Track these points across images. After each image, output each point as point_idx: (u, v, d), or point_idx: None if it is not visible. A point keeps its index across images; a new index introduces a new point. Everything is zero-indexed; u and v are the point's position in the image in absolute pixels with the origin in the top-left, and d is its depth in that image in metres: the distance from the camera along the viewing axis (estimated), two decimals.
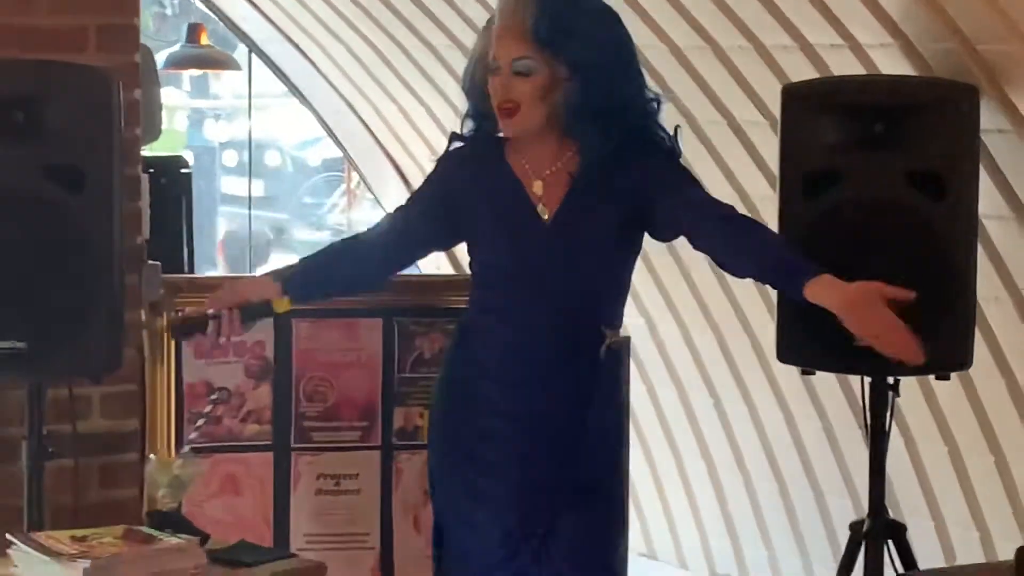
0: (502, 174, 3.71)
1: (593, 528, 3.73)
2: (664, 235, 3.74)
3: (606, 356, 3.70)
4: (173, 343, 4.22)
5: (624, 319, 3.82)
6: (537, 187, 3.70)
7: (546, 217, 3.68)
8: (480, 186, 3.73)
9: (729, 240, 3.58)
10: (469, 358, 3.76)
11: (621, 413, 3.88)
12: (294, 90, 8.32)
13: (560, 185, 3.68)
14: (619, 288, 3.75)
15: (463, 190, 3.75)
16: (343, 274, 3.84)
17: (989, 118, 4.21)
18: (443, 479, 3.81)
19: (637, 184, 3.64)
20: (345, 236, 3.98)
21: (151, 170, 4.62)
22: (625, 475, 3.92)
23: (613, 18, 3.67)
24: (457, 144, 3.79)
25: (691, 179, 3.71)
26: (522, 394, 3.69)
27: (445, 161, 3.82)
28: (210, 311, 3.68)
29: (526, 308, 3.68)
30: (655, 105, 3.69)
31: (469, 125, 3.77)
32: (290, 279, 3.76)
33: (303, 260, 3.85)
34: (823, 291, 3.45)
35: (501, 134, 3.71)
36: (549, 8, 3.60)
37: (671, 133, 3.71)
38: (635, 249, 3.74)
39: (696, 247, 3.65)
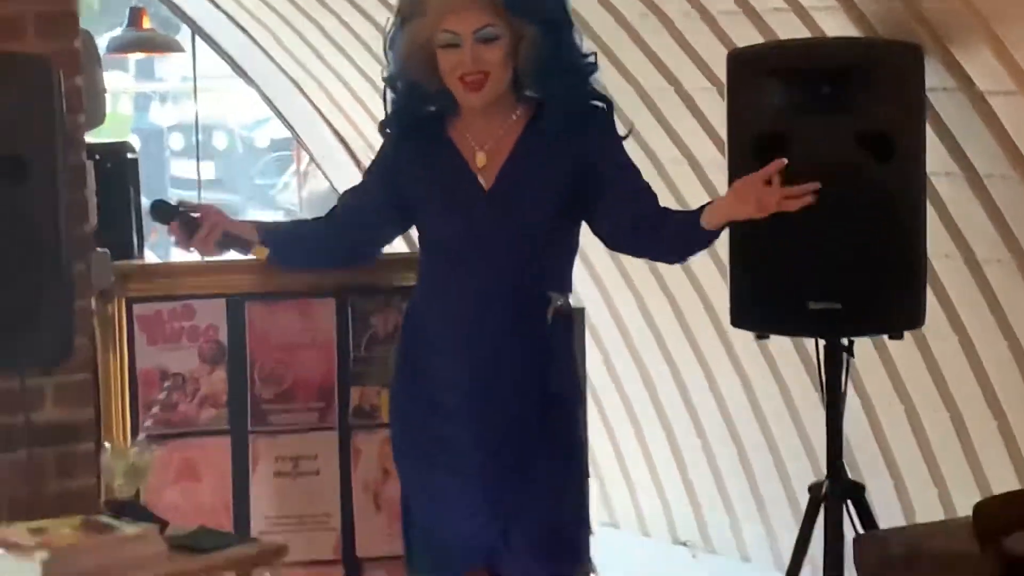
0: (443, 149, 3.72)
1: (558, 504, 3.73)
2: (594, 222, 3.73)
3: (554, 321, 3.70)
4: (125, 330, 4.19)
5: (578, 289, 3.83)
6: (480, 159, 3.71)
7: (486, 186, 3.69)
8: (423, 164, 3.73)
9: (648, 244, 3.72)
10: (419, 333, 3.77)
11: (576, 379, 3.87)
12: (239, 71, 8.27)
13: (503, 154, 3.69)
14: (565, 253, 3.76)
15: (407, 171, 3.75)
16: (314, 252, 3.87)
17: (934, 77, 4.22)
18: (405, 453, 3.83)
19: (580, 151, 3.66)
20: (319, 215, 3.95)
21: (96, 156, 4.57)
22: (584, 442, 3.91)
23: None
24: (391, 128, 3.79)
25: (628, 162, 3.72)
26: (472, 365, 3.69)
27: (383, 148, 3.83)
28: (195, 215, 3.67)
29: (472, 278, 3.69)
30: (594, 60, 3.72)
31: (403, 107, 3.73)
32: (273, 235, 3.79)
33: (285, 224, 3.87)
34: (714, 211, 3.56)
35: (433, 108, 3.70)
36: None
37: (605, 95, 3.73)
38: (579, 214, 3.73)
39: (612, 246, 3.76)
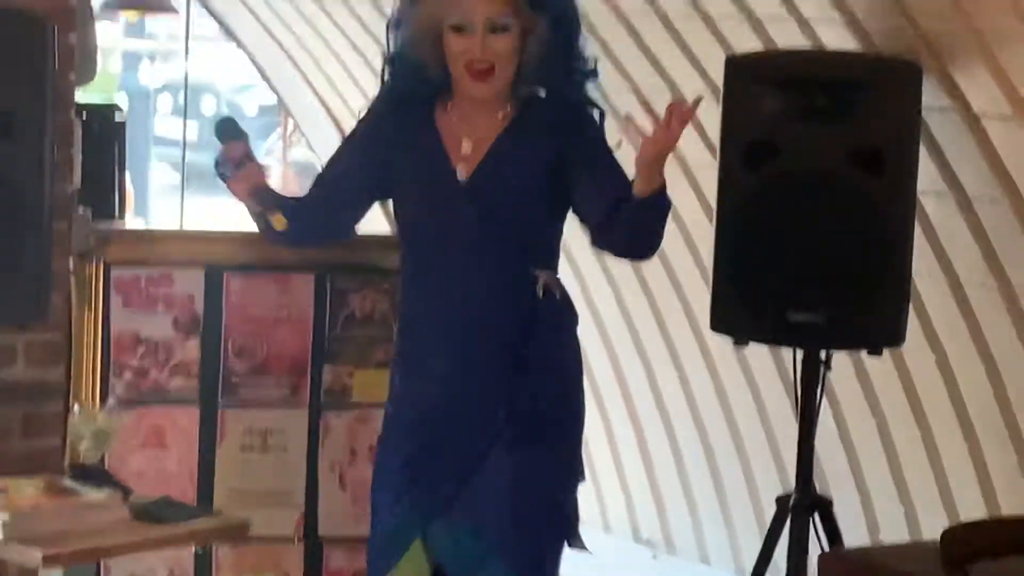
0: (426, 136, 3.70)
1: (538, 464, 3.69)
2: (577, 207, 3.70)
3: (545, 297, 3.69)
4: (102, 292, 4.16)
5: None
6: (466, 147, 3.69)
7: (464, 177, 3.67)
8: (404, 146, 3.72)
9: (617, 237, 3.65)
10: (410, 313, 3.77)
11: (571, 353, 3.81)
12: (230, 34, 8.24)
13: (484, 147, 3.68)
14: (549, 237, 3.74)
15: (387, 149, 3.74)
16: (306, 228, 3.82)
17: (931, 96, 4.21)
18: (390, 433, 3.80)
19: (561, 148, 3.64)
20: (306, 192, 3.91)
21: (83, 116, 4.53)
22: (581, 416, 3.84)
23: None
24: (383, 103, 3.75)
25: (612, 163, 3.67)
26: (460, 339, 3.68)
27: (372, 116, 3.79)
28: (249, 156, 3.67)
29: (452, 265, 3.68)
30: (595, 66, 3.71)
31: (400, 85, 3.71)
32: (289, 208, 3.75)
33: (290, 199, 3.83)
34: (639, 181, 3.48)
35: (426, 89, 3.68)
36: None
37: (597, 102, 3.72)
38: (565, 202, 3.71)
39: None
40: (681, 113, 3.46)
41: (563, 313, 3.76)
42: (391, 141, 3.73)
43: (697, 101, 3.52)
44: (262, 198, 3.71)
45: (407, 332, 3.80)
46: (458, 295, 3.68)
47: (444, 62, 3.64)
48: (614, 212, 3.57)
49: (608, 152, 3.70)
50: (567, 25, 3.65)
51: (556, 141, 3.66)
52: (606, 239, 3.67)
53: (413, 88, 3.71)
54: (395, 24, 3.70)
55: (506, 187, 3.66)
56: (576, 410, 3.81)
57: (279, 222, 3.70)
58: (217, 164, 3.73)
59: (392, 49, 3.72)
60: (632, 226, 3.57)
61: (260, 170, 3.71)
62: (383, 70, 3.76)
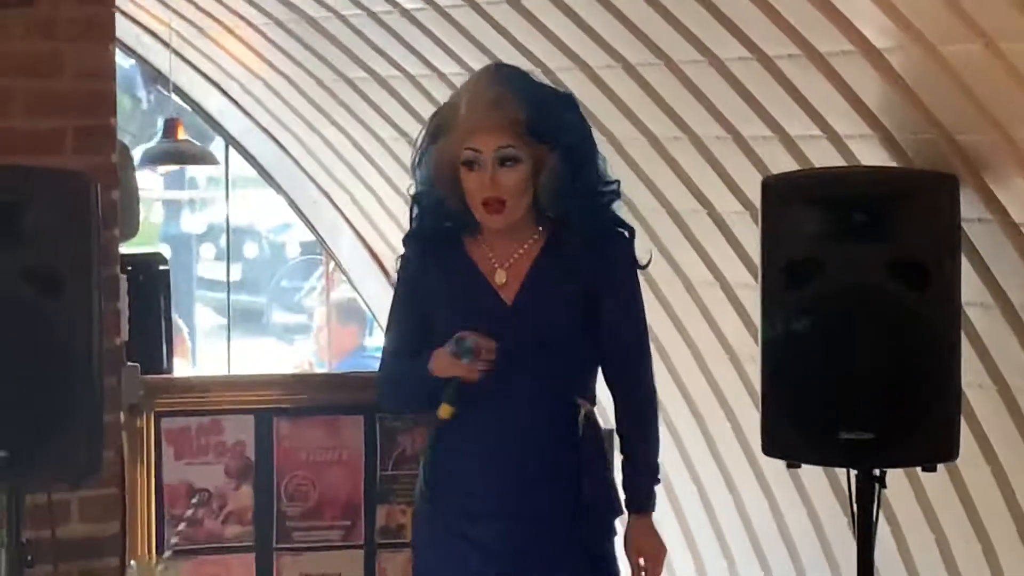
0: (463, 266, 3.75)
1: None
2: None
3: (585, 427, 3.72)
4: (153, 444, 4.18)
5: (606, 410, 3.87)
6: (499, 276, 3.74)
7: (509, 301, 3.71)
8: (445, 278, 3.76)
9: (626, 409, 3.83)
10: (451, 447, 3.75)
11: (612, 488, 3.85)
12: (270, 180, 8.33)
13: (522, 271, 3.73)
14: (589, 362, 3.78)
15: (428, 288, 3.78)
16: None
17: (969, 207, 4.21)
18: (429, 555, 3.79)
19: (594, 276, 3.72)
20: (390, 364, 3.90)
21: (129, 268, 4.58)
22: (614, 556, 3.85)
23: (574, 101, 3.79)
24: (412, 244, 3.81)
25: (634, 308, 3.79)
26: (504, 471, 3.69)
27: (407, 263, 3.83)
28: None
29: (500, 391, 3.69)
30: (617, 186, 3.77)
31: (426, 223, 3.77)
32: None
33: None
34: (631, 534, 3.78)
35: (451, 225, 3.74)
36: (531, 98, 3.67)
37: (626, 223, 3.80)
38: (594, 330, 3.76)
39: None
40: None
41: (601, 447, 3.81)
42: (433, 275, 3.77)
43: None
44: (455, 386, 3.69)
45: (444, 458, 3.77)
46: (504, 424, 3.69)
47: (463, 198, 3.70)
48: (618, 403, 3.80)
49: (634, 287, 3.79)
50: (578, 153, 3.70)
51: (589, 265, 3.72)
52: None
53: (439, 224, 3.77)
54: (417, 163, 3.77)
55: (550, 306, 3.71)
56: (611, 548, 3.85)
57: (445, 411, 3.67)
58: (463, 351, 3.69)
59: (416, 188, 3.78)
60: (627, 458, 3.80)
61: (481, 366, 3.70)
62: (411, 208, 3.82)
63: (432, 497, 3.77)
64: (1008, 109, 3.99)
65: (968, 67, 3.99)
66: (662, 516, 5.99)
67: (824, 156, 4.61)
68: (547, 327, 3.70)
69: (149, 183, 15.32)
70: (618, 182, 3.77)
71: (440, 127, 3.72)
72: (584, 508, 3.71)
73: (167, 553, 4.04)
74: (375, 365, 3.97)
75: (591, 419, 3.74)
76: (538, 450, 3.69)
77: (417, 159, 3.77)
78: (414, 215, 3.80)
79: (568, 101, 3.77)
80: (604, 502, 3.78)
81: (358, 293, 8.57)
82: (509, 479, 3.69)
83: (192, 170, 15.89)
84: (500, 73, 3.76)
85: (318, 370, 10.58)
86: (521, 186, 3.66)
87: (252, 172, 8.60)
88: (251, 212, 15.72)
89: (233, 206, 11.75)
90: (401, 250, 3.85)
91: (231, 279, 12.19)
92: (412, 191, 3.79)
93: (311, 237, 9.19)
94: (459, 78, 5.64)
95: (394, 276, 4.03)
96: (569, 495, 3.70)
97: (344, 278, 9.07)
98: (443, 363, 3.66)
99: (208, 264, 16.55)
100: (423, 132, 3.77)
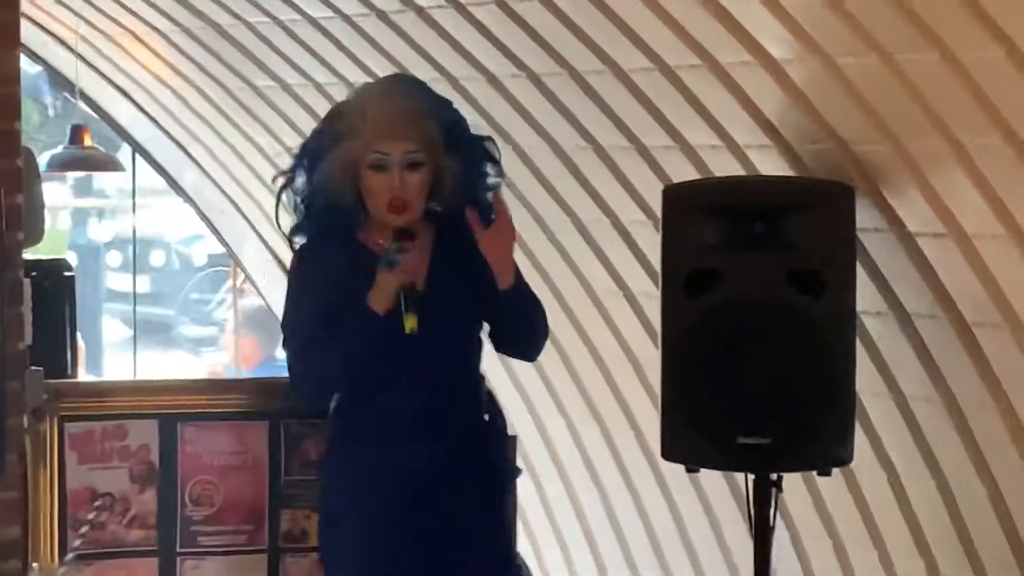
0: (362, 257, 3.90)
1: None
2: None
3: (488, 404, 4.00)
4: (56, 448, 4.18)
5: (510, 416, 4.04)
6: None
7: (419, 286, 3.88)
8: (345, 271, 3.90)
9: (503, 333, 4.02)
10: (356, 429, 3.96)
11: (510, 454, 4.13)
12: (177, 189, 8.31)
13: (422, 260, 3.90)
14: (479, 346, 4.02)
15: (329, 277, 3.93)
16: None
17: (865, 217, 4.29)
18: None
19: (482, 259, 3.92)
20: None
21: (33, 274, 4.58)
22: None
23: (452, 103, 4.05)
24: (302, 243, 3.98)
25: None
26: (418, 452, 3.91)
27: (306, 254, 3.98)
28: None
29: (408, 377, 3.90)
30: (496, 174, 4.00)
31: (318, 217, 3.93)
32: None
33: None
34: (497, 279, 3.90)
35: (341, 221, 3.91)
36: (434, 109, 3.92)
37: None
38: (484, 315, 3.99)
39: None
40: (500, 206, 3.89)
41: (501, 419, 4.06)
42: (331, 272, 3.92)
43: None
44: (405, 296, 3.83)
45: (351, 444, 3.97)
46: (415, 405, 3.89)
47: (359, 196, 3.90)
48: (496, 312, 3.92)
49: None
50: (476, 162, 3.94)
51: (480, 256, 3.91)
52: (498, 339, 4.00)
53: (331, 220, 3.94)
54: (311, 159, 3.93)
55: (455, 296, 3.92)
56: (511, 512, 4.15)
57: (412, 320, 3.79)
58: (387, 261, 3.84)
59: (305, 184, 3.94)
60: (508, 321, 3.94)
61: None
62: (278, 196, 3.97)
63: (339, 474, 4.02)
64: (903, 121, 4.07)
65: (864, 79, 4.07)
66: (564, 520, 6.07)
67: (725, 166, 4.68)
68: (454, 318, 3.91)
69: (57, 192, 15.23)
70: (499, 164, 3.99)
71: (343, 130, 3.89)
72: (492, 471, 3.99)
73: (70, 556, 4.04)
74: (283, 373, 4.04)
75: (491, 396, 4.01)
76: (450, 430, 3.92)
77: (309, 155, 3.94)
78: (290, 206, 3.97)
79: (450, 105, 4.02)
80: (510, 466, 4.10)
81: (265, 302, 8.57)
82: (425, 460, 3.91)
83: (101, 179, 15.81)
84: (405, 84, 4.04)
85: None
86: (423, 188, 3.89)
87: (161, 183, 8.58)
88: (159, 222, 15.63)
89: (141, 216, 11.69)
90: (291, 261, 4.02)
91: (139, 290, 12.11)
92: (298, 185, 3.95)
93: (220, 249, 9.18)
94: None
95: None
96: (478, 459, 3.98)
97: (252, 288, 9.07)
98: (381, 288, 3.81)
99: (116, 275, 16.45)
100: (319, 133, 3.96)
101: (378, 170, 3.85)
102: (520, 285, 3.93)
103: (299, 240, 4.00)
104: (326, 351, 3.91)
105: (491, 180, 3.97)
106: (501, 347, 4.05)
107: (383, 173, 3.86)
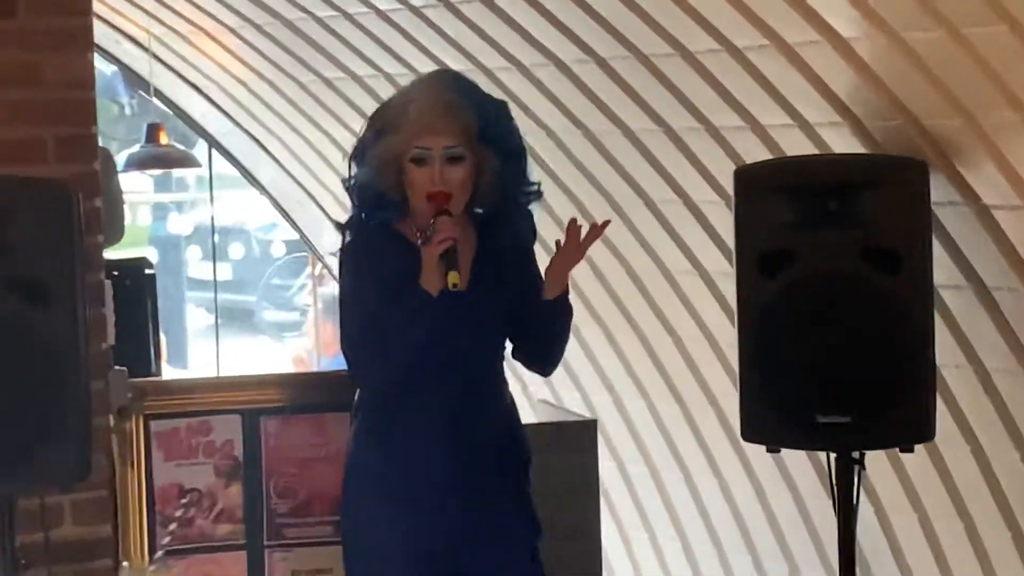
0: (407, 248, 3.92)
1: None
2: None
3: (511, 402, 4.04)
4: (143, 446, 4.24)
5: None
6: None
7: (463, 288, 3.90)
8: (392, 262, 3.93)
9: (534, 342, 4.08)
10: (389, 419, 3.98)
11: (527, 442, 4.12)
12: (253, 181, 8.37)
13: (465, 261, 3.92)
14: (505, 343, 4.08)
15: (377, 270, 3.95)
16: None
17: (939, 191, 4.27)
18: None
19: (524, 271, 4.01)
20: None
21: (115, 273, 4.63)
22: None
23: (508, 108, 4.05)
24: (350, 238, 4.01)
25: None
26: (448, 439, 3.93)
27: (358, 244, 4.00)
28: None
29: (444, 378, 3.92)
30: (539, 187, 4.03)
31: (367, 212, 3.97)
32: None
33: None
34: (549, 288, 3.96)
35: (387, 215, 3.94)
36: (479, 106, 3.94)
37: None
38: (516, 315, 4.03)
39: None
40: (592, 233, 3.92)
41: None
42: (379, 265, 3.95)
43: (605, 224, 3.99)
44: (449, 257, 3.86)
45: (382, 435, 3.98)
46: (448, 403, 3.92)
47: (403, 189, 3.93)
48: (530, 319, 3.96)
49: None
50: (516, 158, 3.96)
51: (519, 262, 4.00)
52: (521, 347, 4.03)
53: (378, 213, 3.98)
54: (360, 156, 3.97)
55: (493, 295, 3.96)
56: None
57: (455, 276, 3.82)
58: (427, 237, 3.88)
59: (354, 179, 3.98)
60: (540, 330, 3.98)
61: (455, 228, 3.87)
62: (352, 198, 4.01)
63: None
64: (973, 94, 4.05)
65: (933, 54, 4.05)
66: (648, 502, 6.08)
67: (796, 144, 4.67)
68: (490, 316, 3.95)
69: (138, 186, 15.37)
70: (540, 183, 4.03)
71: (387, 125, 3.94)
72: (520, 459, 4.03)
73: (159, 553, 4.09)
74: None
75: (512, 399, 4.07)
76: (480, 425, 3.95)
77: (359, 153, 3.99)
78: (354, 203, 4.01)
79: (505, 108, 4.03)
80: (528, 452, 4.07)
81: None
82: (454, 449, 3.94)
83: (180, 172, 15.94)
84: (450, 80, 4.05)
85: (313, 364, 10.66)
86: (465, 182, 3.91)
87: (238, 176, 8.65)
88: (238, 212, 15.75)
89: (219, 207, 11.79)
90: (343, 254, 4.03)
91: (220, 278, 12.22)
92: (348, 178, 4.00)
93: (296, 236, 9.25)
94: None
95: None
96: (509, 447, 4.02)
97: (330, 275, 9.12)
98: (428, 263, 3.85)
99: (197, 264, 16.58)
100: (366, 129, 4.01)
101: (419, 164, 3.89)
102: (564, 298, 3.97)
103: (349, 233, 4.03)
104: (386, 336, 3.92)
105: (532, 188, 3.99)
106: (522, 356, 4.08)
107: (424, 167, 3.89)
